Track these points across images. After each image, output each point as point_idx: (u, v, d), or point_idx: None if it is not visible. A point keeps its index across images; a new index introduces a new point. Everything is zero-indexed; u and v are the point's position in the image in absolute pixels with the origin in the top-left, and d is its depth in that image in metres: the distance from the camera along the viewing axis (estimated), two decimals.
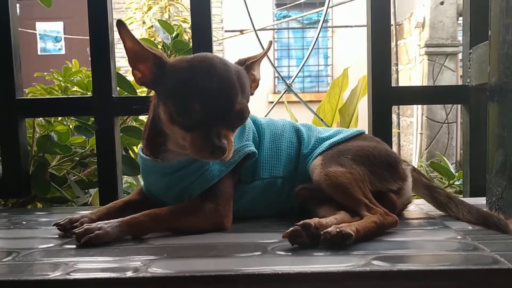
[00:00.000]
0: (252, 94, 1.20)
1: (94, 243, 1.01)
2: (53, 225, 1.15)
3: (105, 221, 1.06)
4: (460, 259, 0.90)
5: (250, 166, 1.22)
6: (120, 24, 1.10)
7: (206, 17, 1.54)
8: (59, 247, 1.04)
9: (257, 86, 1.25)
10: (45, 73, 2.69)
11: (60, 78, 2.36)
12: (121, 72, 1.76)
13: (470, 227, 1.12)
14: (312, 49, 2.08)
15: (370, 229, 1.02)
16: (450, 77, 7.11)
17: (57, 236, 1.14)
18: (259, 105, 8.95)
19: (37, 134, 1.68)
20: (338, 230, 0.96)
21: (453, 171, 1.84)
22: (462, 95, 1.58)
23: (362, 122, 2.16)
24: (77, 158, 1.95)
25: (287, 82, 1.77)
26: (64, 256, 0.97)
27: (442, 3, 7.16)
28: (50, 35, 10.34)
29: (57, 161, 1.75)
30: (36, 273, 0.86)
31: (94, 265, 0.91)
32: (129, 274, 0.84)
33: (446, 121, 7.14)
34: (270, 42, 1.26)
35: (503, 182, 1.16)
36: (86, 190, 2.02)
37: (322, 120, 1.69)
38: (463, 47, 1.57)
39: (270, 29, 9.25)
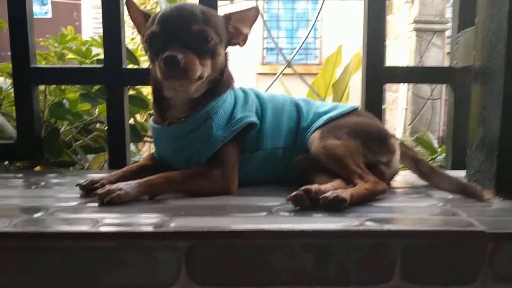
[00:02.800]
0: (241, 45, 1.34)
1: (116, 203, 1.12)
2: (76, 185, 1.26)
3: (125, 183, 1.17)
4: (440, 222, 1.03)
5: (254, 137, 1.33)
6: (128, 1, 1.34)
7: None
8: (83, 205, 1.15)
9: (245, 40, 1.35)
10: (41, 39, 2.74)
11: (56, 45, 2.43)
12: None
13: (450, 196, 1.25)
14: (314, 23, 2.16)
15: (363, 195, 1.15)
16: (436, 54, 7.24)
17: (78, 195, 1.25)
18: (248, 76, 9.01)
19: (48, 101, 1.76)
20: (335, 195, 1.08)
21: (436, 146, 1.98)
22: (448, 76, 1.70)
23: (352, 97, 2.28)
24: (81, 125, 2.05)
25: (287, 59, 1.87)
26: (90, 212, 1.08)
27: None
28: None
29: (65, 127, 1.85)
30: (72, 226, 0.98)
31: (119, 220, 1.02)
32: (152, 228, 0.95)
33: (430, 97, 7.31)
34: (256, 9, 1.35)
35: (481, 157, 1.29)
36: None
37: (318, 95, 1.80)
38: (452, 31, 1.68)
39: None
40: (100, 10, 1.62)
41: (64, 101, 1.70)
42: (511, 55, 1.17)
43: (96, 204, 1.14)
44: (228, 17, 1.31)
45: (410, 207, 1.16)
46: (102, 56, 1.88)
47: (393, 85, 7.83)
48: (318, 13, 2.47)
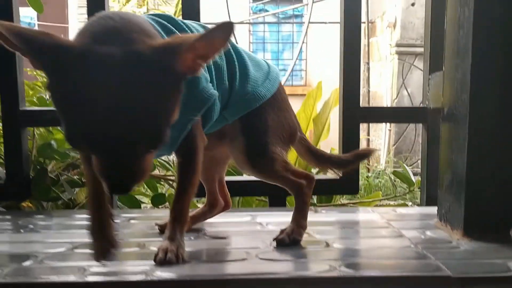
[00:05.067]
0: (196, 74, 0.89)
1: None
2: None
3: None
4: (411, 267, 1.09)
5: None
6: None
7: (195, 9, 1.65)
8: (71, 251, 1.20)
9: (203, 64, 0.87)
10: (28, 69, 2.79)
11: (43, 74, 2.48)
12: None
13: (422, 237, 1.32)
14: (301, 47, 2.23)
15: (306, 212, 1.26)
16: (418, 76, 7.39)
17: (66, 240, 1.29)
18: None
19: (36, 141, 1.82)
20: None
21: (413, 179, 2.06)
22: (421, 116, 1.79)
23: (333, 130, 2.36)
24: (70, 160, 2.09)
25: None
26: (78, 260, 1.13)
27: (413, 5, 7.42)
28: (23, 21, 10.17)
29: (53, 166, 1.89)
30: (60, 276, 1.02)
31: (106, 269, 1.06)
32: (140, 277, 1.00)
33: None
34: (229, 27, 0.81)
35: (450, 198, 1.37)
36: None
37: None
38: (423, 73, 1.77)
39: (247, 22, 9.39)
40: None
41: (52, 142, 1.76)
42: (474, 105, 1.25)
43: (84, 250, 1.19)
44: (188, 48, 0.81)
45: (385, 249, 1.23)
46: None
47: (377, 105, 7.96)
48: (304, 37, 2.55)
